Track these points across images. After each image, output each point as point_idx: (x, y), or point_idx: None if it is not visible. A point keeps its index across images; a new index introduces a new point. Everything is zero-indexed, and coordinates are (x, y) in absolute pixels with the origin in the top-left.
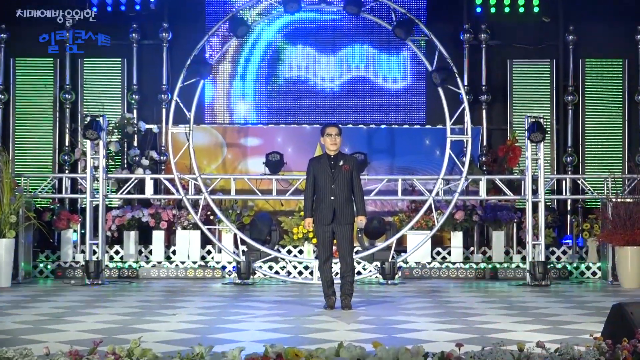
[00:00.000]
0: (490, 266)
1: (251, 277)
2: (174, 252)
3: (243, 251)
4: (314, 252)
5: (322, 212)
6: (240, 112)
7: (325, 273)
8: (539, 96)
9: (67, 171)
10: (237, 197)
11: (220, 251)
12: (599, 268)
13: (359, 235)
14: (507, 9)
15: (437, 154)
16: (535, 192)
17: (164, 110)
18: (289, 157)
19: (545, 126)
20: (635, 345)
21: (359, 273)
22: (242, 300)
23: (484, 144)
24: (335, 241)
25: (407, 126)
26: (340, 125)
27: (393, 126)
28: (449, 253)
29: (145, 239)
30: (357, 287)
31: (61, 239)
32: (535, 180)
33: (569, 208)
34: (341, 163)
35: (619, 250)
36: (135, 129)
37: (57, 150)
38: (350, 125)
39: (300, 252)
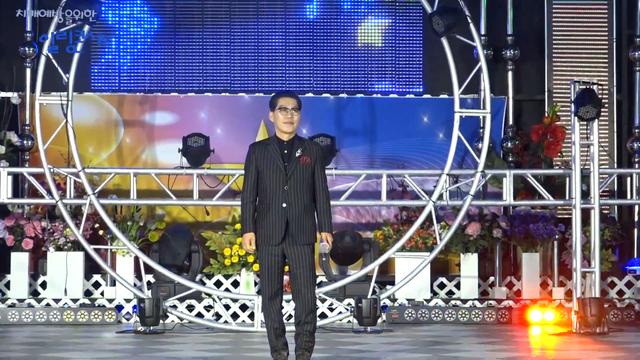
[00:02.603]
0: (518, 305)
1: (161, 322)
2: (43, 285)
3: (149, 283)
4: (256, 284)
5: (269, 225)
6: (144, 74)
7: (273, 316)
8: (591, 52)
9: None
10: (139, 202)
11: (114, 283)
12: None
13: (324, 259)
14: None
15: (439, 137)
16: (586, 194)
17: (28, 71)
18: (219, 141)
19: (600, 96)
20: None
21: (323, 316)
22: (147, 357)
23: (511, 122)
24: (287, 269)
25: (395, 96)
26: (298, 95)
27: (374, 95)
28: (457, 286)
29: None
30: (320, 337)
31: None
32: (586, 177)
33: (636, 218)
34: (299, 152)
35: None
36: None
37: None
38: (310, 95)
39: (235, 284)
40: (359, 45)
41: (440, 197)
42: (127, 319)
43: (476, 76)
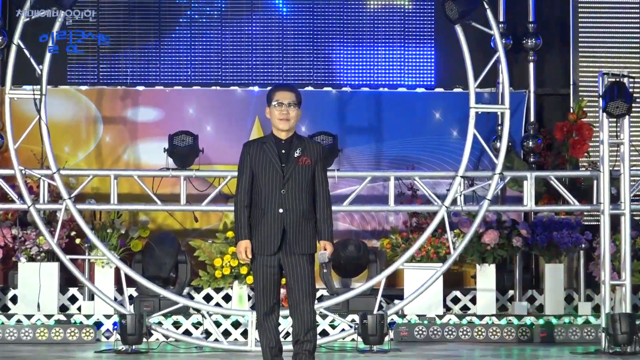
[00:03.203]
0: (541, 322)
1: (144, 340)
2: (14, 300)
3: (131, 297)
4: (250, 299)
5: (264, 232)
6: (125, 65)
7: (269, 334)
8: (621, 41)
9: None
10: (120, 208)
11: (92, 297)
12: None
13: (325, 270)
14: None
15: (453, 135)
16: (616, 198)
17: None
18: (208, 140)
19: (632, 90)
20: None
21: (324, 333)
22: None
23: (532, 119)
24: (284, 281)
25: (403, 89)
26: (297, 89)
27: (381, 89)
28: (473, 300)
29: None
30: (321, 358)
31: None
32: (615, 180)
33: None
34: (297, 152)
35: None
36: None
37: None
38: (310, 88)
39: (227, 298)
40: (365, 34)
41: (454, 202)
42: (107, 337)
43: (494, 68)
